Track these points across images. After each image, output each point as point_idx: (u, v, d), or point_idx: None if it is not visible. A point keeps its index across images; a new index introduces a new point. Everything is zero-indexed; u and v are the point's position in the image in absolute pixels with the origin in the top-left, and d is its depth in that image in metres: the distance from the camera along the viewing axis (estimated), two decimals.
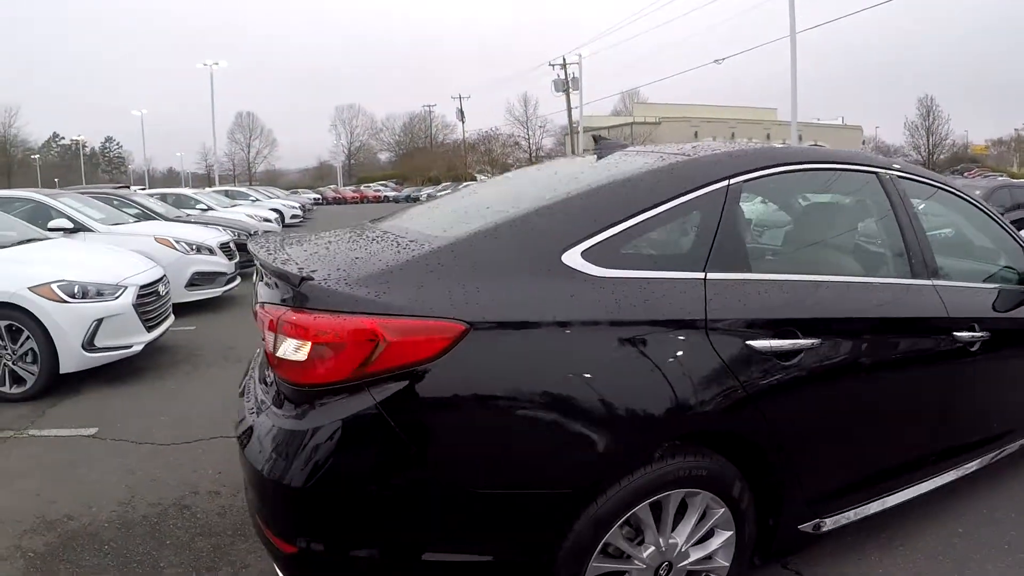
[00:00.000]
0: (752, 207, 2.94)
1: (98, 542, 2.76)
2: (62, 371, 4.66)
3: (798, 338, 2.09)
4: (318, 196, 53.35)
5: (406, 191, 54.98)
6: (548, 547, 1.81)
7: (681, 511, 2.04)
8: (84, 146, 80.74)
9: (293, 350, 1.69)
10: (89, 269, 5.07)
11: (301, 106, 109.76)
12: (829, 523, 2.37)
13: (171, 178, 78.21)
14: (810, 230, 2.87)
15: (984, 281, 2.98)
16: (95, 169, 78.03)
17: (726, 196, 2.16)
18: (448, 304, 1.71)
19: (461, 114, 67.32)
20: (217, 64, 49.51)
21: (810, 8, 25.07)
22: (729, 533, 2.12)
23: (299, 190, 50.52)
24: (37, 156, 69.41)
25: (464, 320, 1.69)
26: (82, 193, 10.14)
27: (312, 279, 1.75)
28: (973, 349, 2.63)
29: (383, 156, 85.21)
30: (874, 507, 2.50)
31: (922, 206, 2.79)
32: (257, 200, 23.43)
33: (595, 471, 1.80)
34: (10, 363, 4.62)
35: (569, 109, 46.81)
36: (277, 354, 1.74)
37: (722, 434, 2.05)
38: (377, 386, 1.66)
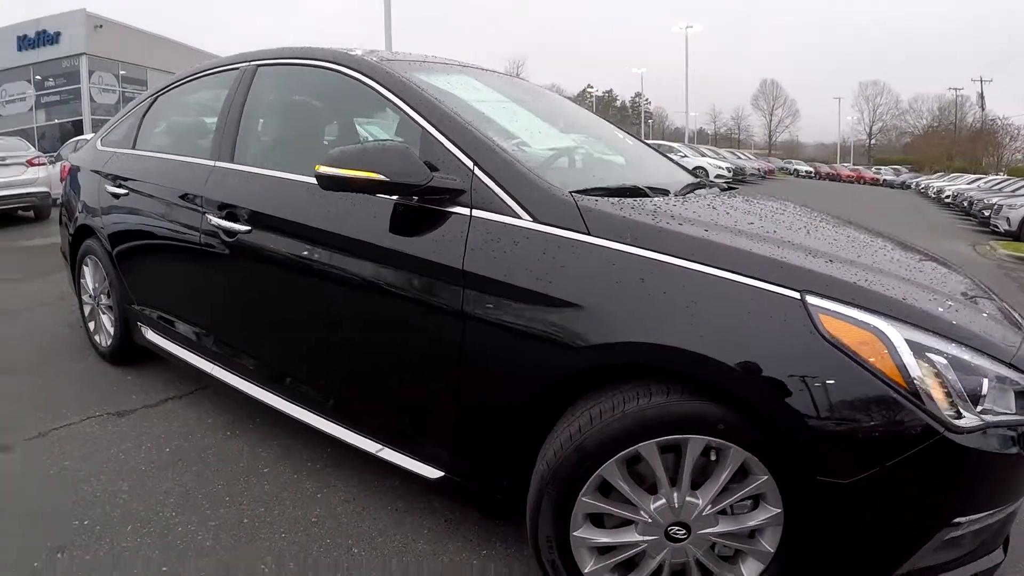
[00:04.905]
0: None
1: None
2: None
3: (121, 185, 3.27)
4: (810, 170, 54.23)
5: (903, 177, 51.34)
6: None
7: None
8: (615, 99, 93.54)
9: None
10: None
11: (827, 79, 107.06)
12: (151, 335, 3.16)
13: (674, 135, 78.64)
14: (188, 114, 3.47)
15: None
16: (624, 120, 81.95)
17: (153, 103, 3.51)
18: None
19: (981, 99, 62.10)
20: (691, 27, 54.42)
21: None
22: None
23: (739, 154, 41.71)
24: None
25: None
26: None
27: None
28: (228, 240, 2.48)
29: (907, 139, 78.35)
30: (200, 365, 2.84)
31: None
32: (685, 156, 24.99)
33: None
34: None
35: None
36: None
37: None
38: None
